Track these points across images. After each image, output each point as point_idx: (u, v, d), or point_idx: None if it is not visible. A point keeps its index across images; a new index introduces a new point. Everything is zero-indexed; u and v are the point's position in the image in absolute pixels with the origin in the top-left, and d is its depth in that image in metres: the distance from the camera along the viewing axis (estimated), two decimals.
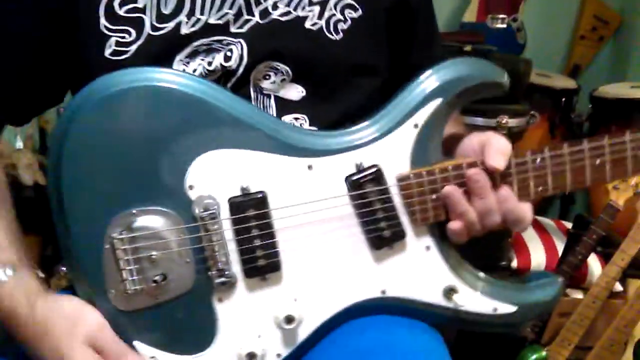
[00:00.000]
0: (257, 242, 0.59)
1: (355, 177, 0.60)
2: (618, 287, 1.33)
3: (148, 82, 0.58)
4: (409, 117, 0.61)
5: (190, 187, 0.58)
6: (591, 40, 2.02)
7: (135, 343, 0.60)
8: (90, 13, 0.62)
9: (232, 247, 0.59)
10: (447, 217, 0.62)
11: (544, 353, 1.25)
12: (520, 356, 1.25)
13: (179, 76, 0.59)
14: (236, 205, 0.58)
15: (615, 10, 2.00)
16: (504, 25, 1.94)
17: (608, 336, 1.21)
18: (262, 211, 0.59)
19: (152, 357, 0.60)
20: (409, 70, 0.65)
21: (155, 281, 0.58)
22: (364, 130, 0.62)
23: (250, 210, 0.59)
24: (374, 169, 0.61)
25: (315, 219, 0.61)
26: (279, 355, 0.62)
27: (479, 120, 1.49)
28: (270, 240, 0.59)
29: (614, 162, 0.63)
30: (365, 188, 0.60)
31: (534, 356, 1.24)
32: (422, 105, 0.61)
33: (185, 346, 0.61)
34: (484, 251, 1.54)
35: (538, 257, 1.50)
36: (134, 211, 0.57)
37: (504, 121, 1.49)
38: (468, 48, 1.82)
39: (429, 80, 0.61)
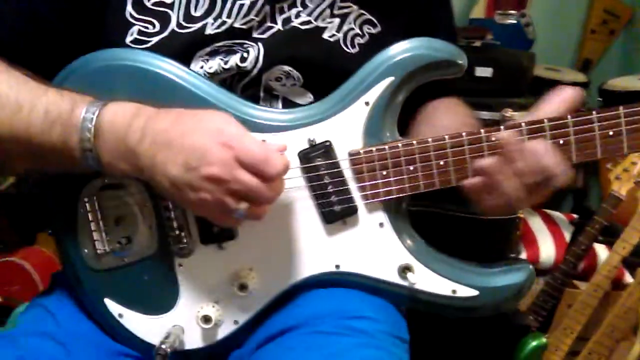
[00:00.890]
0: None
1: (306, 152, 0.64)
2: (628, 278, 1.31)
3: (128, 61, 0.64)
4: (361, 95, 0.64)
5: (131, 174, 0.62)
6: (602, 34, 1.98)
7: (106, 300, 0.67)
8: None
9: (190, 214, 0.65)
10: (398, 193, 0.64)
11: (544, 340, 1.24)
12: (521, 343, 1.25)
13: (154, 58, 0.65)
14: None
15: (626, 4, 1.94)
16: (513, 21, 1.91)
17: (609, 323, 1.18)
18: None
19: (120, 314, 0.67)
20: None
21: (120, 242, 0.65)
22: (317, 108, 0.65)
23: None
24: (325, 144, 0.64)
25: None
26: (236, 322, 0.67)
27: (484, 114, 1.49)
28: None
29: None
30: (316, 162, 0.64)
31: (535, 342, 1.24)
32: (374, 83, 0.63)
33: (150, 306, 0.67)
34: (492, 244, 1.53)
35: (547, 250, 1.49)
36: (105, 179, 0.65)
37: (508, 114, 1.47)
38: (477, 44, 1.80)
39: (381, 60, 0.63)
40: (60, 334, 0.67)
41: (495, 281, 0.65)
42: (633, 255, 1.28)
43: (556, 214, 1.71)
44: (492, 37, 2.00)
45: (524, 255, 1.54)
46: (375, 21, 0.72)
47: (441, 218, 1.50)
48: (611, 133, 0.62)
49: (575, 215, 1.68)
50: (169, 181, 0.56)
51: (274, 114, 0.65)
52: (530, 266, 0.66)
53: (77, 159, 0.58)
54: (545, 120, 0.62)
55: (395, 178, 0.63)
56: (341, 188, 0.64)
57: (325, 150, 0.64)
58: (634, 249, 1.26)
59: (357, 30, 0.71)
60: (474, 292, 0.65)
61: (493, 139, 0.62)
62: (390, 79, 0.63)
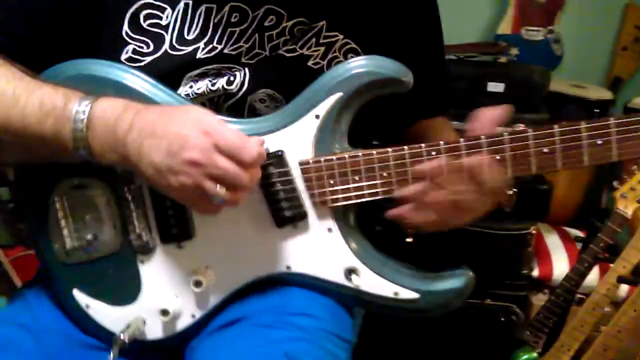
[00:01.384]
0: (171, 212, 0.70)
1: None
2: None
3: (104, 74, 0.69)
4: (312, 108, 0.69)
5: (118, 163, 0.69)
6: (633, 52, 1.95)
7: (74, 291, 0.73)
8: (117, 15, 0.70)
9: (150, 215, 0.71)
10: (344, 201, 0.69)
11: (534, 354, 1.26)
12: (512, 356, 1.28)
13: (117, 69, 0.69)
14: None
15: None
16: (540, 37, 1.92)
17: (601, 342, 1.18)
18: None
19: (87, 305, 0.73)
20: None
21: (87, 240, 0.71)
22: (272, 119, 0.70)
23: None
24: (277, 154, 0.69)
25: None
26: (193, 315, 0.72)
27: (498, 129, 1.52)
28: (183, 211, 0.70)
29: None
30: (269, 170, 0.69)
31: (525, 356, 1.27)
32: (324, 98, 0.68)
33: (114, 298, 0.73)
34: (503, 261, 1.56)
35: (561, 267, 1.52)
36: (75, 180, 0.71)
37: (518, 129, 1.50)
38: (503, 59, 1.85)
39: (331, 76, 0.68)
40: (34, 325, 0.74)
41: (436, 285, 0.70)
42: (634, 274, 1.30)
43: (574, 231, 1.73)
44: (517, 53, 2.05)
45: (536, 272, 1.57)
46: (360, 50, 0.77)
47: (453, 232, 1.54)
48: (546, 150, 0.67)
49: None
50: (153, 167, 0.60)
51: (233, 124, 0.71)
52: (471, 273, 0.71)
53: (69, 150, 0.62)
54: (483, 137, 0.67)
55: (342, 187, 0.68)
56: (292, 195, 0.69)
57: (277, 159, 0.69)
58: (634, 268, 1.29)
59: (342, 58, 0.76)
60: (415, 295, 0.70)
61: (433, 153, 0.67)
62: (339, 94, 0.68)
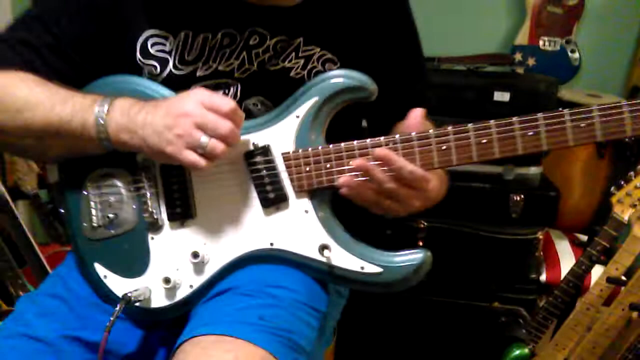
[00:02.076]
0: (177, 195, 0.86)
1: (250, 152, 0.83)
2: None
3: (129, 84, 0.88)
4: (293, 110, 0.83)
5: (136, 154, 0.86)
6: None
7: (95, 264, 0.89)
8: (131, 47, 0.87)
9: (161, 198, 0.86)
10: (318, 185, 0.82)
11: (526, 350, 1.35)
12: (506, 351, 1.37)
13: (146, 82, 0.88)
14: (166, 168, 0.86)
15: None
16: (557, 48, 1.99)
17: (590, 339, 1.23)
18: (183, 176, 0.86)
19: (105, 276, 0.89)
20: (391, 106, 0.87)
21: (110, 218, 0.88)
22: (261, 119, 0.85)
23: (175, 173, 0.86)
24: (264, 147, 0.83)
25: (224, 183, 0.85)
26: (191, 286, 0.86)
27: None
28: (186, 195, 0.85)
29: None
30: (257, 159, 0.83)
31: (518, 351, 1.36)
32: (303, 102, 0.82)
33: (128, 271, 0.88)
34: (511, 266, 1.65)
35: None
36: (103, 170, 0.88)
37: None
38: (520, 70, 1.94)
39: (310, 84, 0.83)
40: (67, 294, 0.90)
41: (396, 261, 0.81)
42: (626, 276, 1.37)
43: (585, 237, 1.80)
44: (534, 63, 2.15)
45: (544, 277, 1.67)
46: (336, 59, 0.92)
47: (463, 236, 1.65)
48: (484, 140, 0.78)
49: None
50: (153, 130, 0.76)
51: None
52: (429, 252, 0.82)
53: (92, 138, 0.80)
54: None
55: (316, 173, 0.82)
56: (275, 180, 0.83)
57: (264, 151, 0.83)
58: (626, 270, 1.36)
59: (320, 68, 0.91)
60: (378, 269, 0.81)
61: (390, 144, 0.80)
62: (315, 98, 0.82)
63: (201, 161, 0.77)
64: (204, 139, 0.76)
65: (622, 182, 1.34)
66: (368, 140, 0.80)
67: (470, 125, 0.78)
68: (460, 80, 1.77)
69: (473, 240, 1.66)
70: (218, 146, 0.76)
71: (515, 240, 1.65)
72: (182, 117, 0.76)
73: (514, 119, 0.77)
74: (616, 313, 1.23)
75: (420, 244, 1.68)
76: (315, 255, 0.83)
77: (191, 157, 0.77)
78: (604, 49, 2.09)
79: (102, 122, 0.79)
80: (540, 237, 1.64)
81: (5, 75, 0.83)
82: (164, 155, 0.78)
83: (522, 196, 1.65)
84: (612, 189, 1.35)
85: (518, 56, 2.14)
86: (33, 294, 0.95)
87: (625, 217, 1.31)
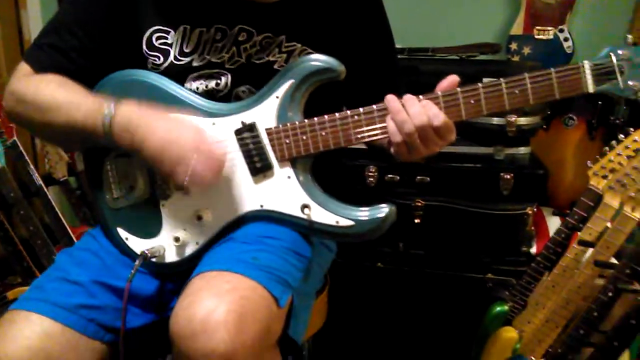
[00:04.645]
0: None
1: (240, 129, 1.03)
2: None
3: (137, 77, 1.08)
4: (273, 91, 1.02)
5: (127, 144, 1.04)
6: None
7: (118, 229, 1.10)
8: (138, 40, 1.06)
9: None
10: (297, 154, 1.00)
11: (506, 307, 1.51)
12: (489, 308, 1.55)
13: (151, 74, 1.08)
14: None
15: None
16: (550, 37, 2.14)
17: (563, 297, 1.38)
18: None
19: (126, 238, 1.10)
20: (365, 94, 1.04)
21: (127, 190, 1.08)
22: (247, 100, 1.04)
23: None
24: (251, 124, 1.02)
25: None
26: (197, 243, 1.06)
27: (494, 119, 1.78)
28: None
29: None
30: (245, 135, 1.02)
31: (498, 308, 1.53)
32: (282, 84, 1.01)
33: (145, 233, 1.09)
34: (503, 240, 1.80)
35: None
36: (121, 150, 1.07)
37: (512, 119, 1.74)
38: (516, 58, 2.10)
39: (287, 68, 1.01)
40: (100, 250, 1.11)
41: (366, 215, 0.99)
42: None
43: None
44: (530, 51, 2.31)
45: (534, 249, 1.83)
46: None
47: (458, 213, 1.82)
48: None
49: None
50: (152, 145, 0.94)
51: (220, 105, 1.05)
52: (393, 207, 1.00)
53: (101, 136, 0.99)
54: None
55: (294, 144, 1.01)
56: (261, 152, 1.02)
57: (251, 128, 1.02)
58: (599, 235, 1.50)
59: None
60: (350, 223, 0.99)
61: (356, 117, 0.98)
62: (291, 80, 1.01)
63: (188, 184, 0.96)
64: (193, 166, 0.93)
65: (598, 157, 1.49)
66: (337, 114, 0.99)
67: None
68: (453, 68, 1.95)
69: (467, 216, 1.83)
70: (205, 175, 0.96)
71: (506, 215, 1.80)
72: (181, 137, 0.94)
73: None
74: (586, 272, 1.38)
75: (417, 221, 1.85)
76: (297, 213, 1.02)
77: (181, 178, 0.95)
78: (596, 37, 2.23)
79: (108, 128, 0.97)
80: (530, 212, 1.79)
81: (39, 77, 1.05)
82: (159, 166, 0.97)
83: (512, 175, 1.80)
84: (589, 162, 1.50)
85: (514, 45, 2.30)
86: (70, 249, 1.16)
87: (600, 188, 1.44)
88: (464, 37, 2.17)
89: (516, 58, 2.28)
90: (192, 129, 0.97)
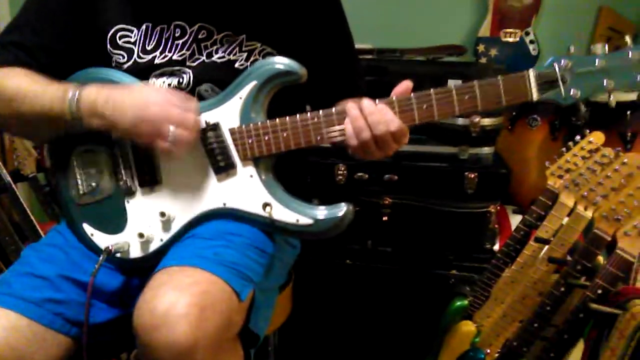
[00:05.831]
0: (145, 166, 1.09)
1: (204, 129, 1.06)
2: None
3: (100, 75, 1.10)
4: (237, 92, 1.05)
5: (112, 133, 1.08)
6: None
7: (83, 224, 1.13)
8: (102, 39, 1.09)
9: (133, 167, 1.09)
10: (259, 154, 1.04)
11: (466, 302, 1.58)
12: (450, 303, 1.61)
13: (115, 73, 1.11)
14: (136, 145, 1.08)
15: (632, 21, 2.14)
16: (516, 39, 2.21)
17: (520, 292, 1.45)
18: (150, 150, 1.07)
19: (92, 234, 1.13)
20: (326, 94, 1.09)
21: (92, 186, 1.11)
22: (211, 100, 1.08)
23: (144, 148, 1.08)
24: (215, 124, 1.06)
25: (183, 155, 1.07)
26: (161, 239, 1.10)
27: (459, 120, 1.84)
28: (153, 165, 1.08)
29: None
30: (209, 135, 1.06)
31: (458, 303, 1.59)
32: (245, 85, 1.05)
33: (110, 229, 1.12)
34: (466, 237, 1.87)
35: None
36: (86, 146, 1.11)
37: (476, 120, 1.80)
38: (483, 60, 2.16)
39: (250, 70, 1.05)
40: (66, 245, 1.14)
41: (325, 214, 1.03)
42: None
43: None
44: (496, 53, 2.38)
45: (497, 246, 1.90)
46: (275, 53, 1.14)
47: (424, 211, 1.88)
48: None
49: None
50: (123, 118, 0.97)
51: None
52: (351, 206, 1.04)
53: (68, 121, 1.01)
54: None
55: (257, 144, 1.04)
56: (224, 151, 1.06)
57: (214, 127, 1.06)
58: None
59: (261, 60, 1.12)
60: (310, 221, 1.04)
61: (315, 119, 1.02)
62: (254, 82, 1.05)
63: (172, 148, 0.99)
64: (172, 129, 0.97)
65: (556, 157, 1.56)
66: (298, 116, 1.03)
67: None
68: (421, 70, 2.01)
69: (433, 214, 1.89)
70: (185, 134, 0.99)
71: (470, 213, 1.87)
72: (151, 108, 0.97)
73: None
74: (542, 268, 1.44)
75: (385, 219, 1.91)
76: (259, 211, 1.06)
77: (164, 145, 0.98)
78: (561, 39, 2.31)
79: (75, 112, 1.00)
80: (493, 210, 1.86)
81: (4, 71, 1.07)
82: (138, 139, 1.00)
83: (476, 174, 1.87)
84: (547, 163, 1.56)
85: (481, 47, 2.38)
86: (36, 244, 1.19)
87: (557, 188, 1.52)
88: (433, 39, 2.23)
89: (484, 60, 2.35)
90: (157, 96, 1.00)
